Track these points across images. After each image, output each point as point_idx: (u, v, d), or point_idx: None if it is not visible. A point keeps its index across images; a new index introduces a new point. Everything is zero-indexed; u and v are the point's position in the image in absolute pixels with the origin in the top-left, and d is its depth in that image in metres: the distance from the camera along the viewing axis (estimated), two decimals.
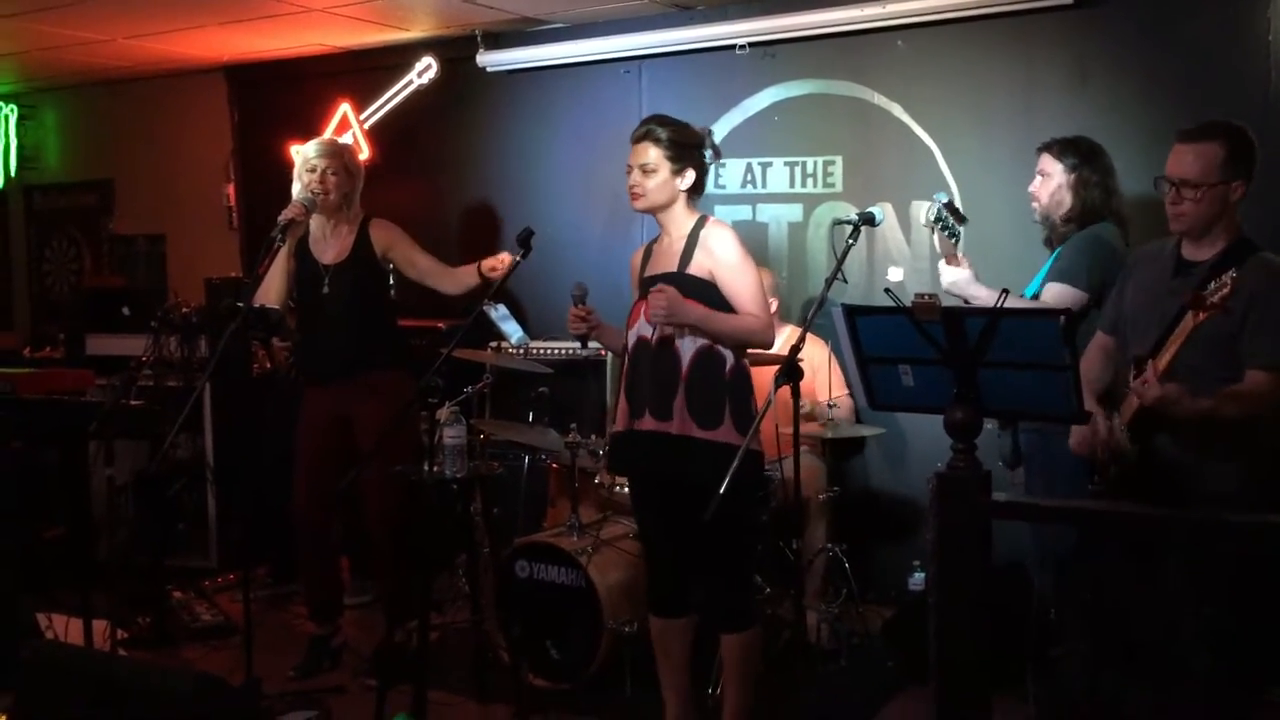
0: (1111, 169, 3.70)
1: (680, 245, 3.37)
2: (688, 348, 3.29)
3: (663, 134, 3.34)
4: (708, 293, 3.30)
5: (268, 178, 6.57)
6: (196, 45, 6.15)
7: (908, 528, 4.94)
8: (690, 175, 3.35)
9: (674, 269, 3.34)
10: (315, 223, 4.35)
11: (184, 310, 5.49)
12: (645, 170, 3.35)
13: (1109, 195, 3.67)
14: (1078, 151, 3.69)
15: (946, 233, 3.82)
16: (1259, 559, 3.01)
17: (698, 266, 3.32)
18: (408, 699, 3.66)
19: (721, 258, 3.31)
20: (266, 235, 4.07)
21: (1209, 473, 2.91)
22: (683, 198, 3.39)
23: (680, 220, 3.40)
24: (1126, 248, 3.61)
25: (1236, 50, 4.29)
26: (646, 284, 3.41)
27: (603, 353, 5.18)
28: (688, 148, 3.35)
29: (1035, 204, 3.75)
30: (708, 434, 3.26)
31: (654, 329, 3.32)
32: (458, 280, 4.34)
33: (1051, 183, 3.69)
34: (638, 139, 3.38)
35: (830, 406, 4.48)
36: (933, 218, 3.84)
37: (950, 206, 3.81)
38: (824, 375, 4.64)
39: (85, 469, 4.66)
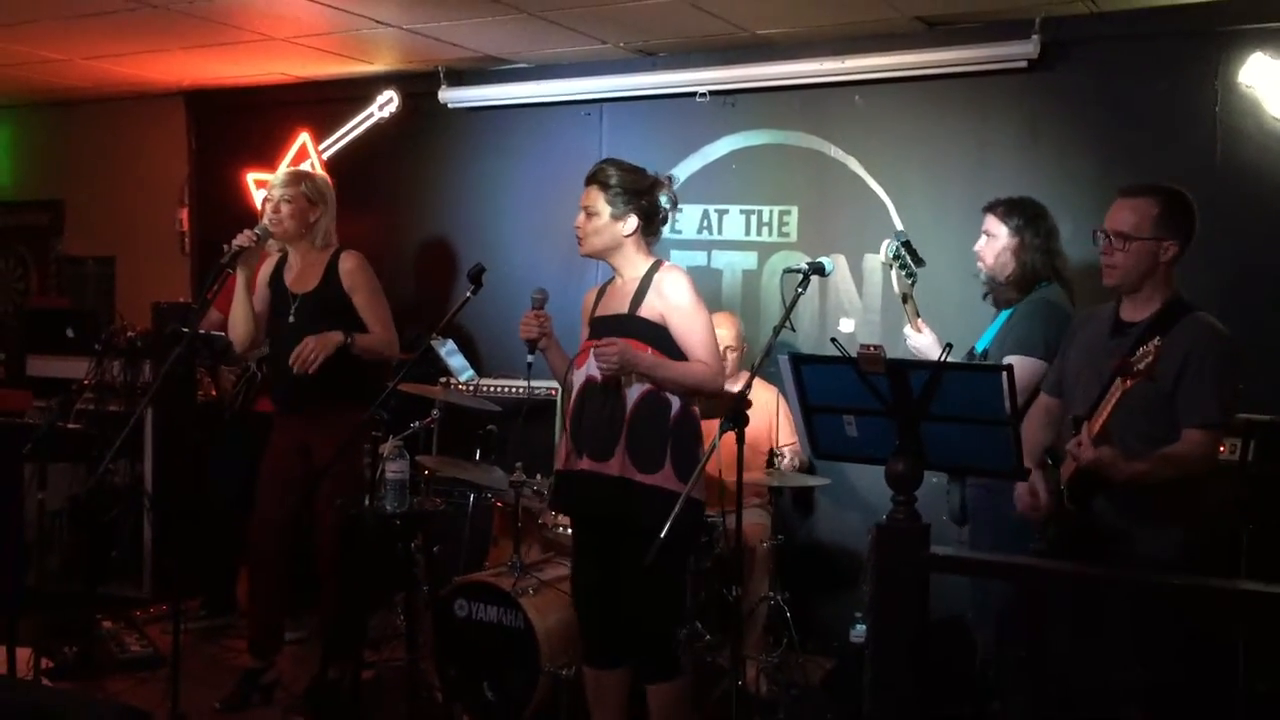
0: (1055, 231, 3.72)
1: (633, 287, 3.36)
2: (634, 391, 3.27)
3: (608, 178, 3.34)
4: (658, 336, 3.29)
5: (223, 204, 6.53)
6: (156, 69, 6.11)
7: (851, 578, 4.92)
8: (633, 221, 3.34)
9: (624, 310, 3.34)
10: (291, 251, 4.30)
11: (129, 334, 5.40)
12: (588, 213, 3.36)
13: (1051, 257, 3.68)
14: (1023, 213, 3.70)
15: (904, 271, 3.87)
16: (1194, 620, 3.04)
17: (649, 309, 3.31)
18: None
19: (674, 302, 3.30)
20: (217, 262, 4.03)
21: (1145, 537, 2.93)
22: (631, 241, 3.37)
23: (633, 262, 3.40)
24: (1074, 306, 3.66)
25: (1184, 118, 4.38)
26: (597, 324, 3.40)
27: (553, 392, 5.17)
28: (632, 193, 3.33)
29: (980, 264, 3.76)
30: (647, 478, 3.23)
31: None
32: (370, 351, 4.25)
33: (997, 244, 3.69)
34: (587, 181, 3.38)
35: (777, 456, 4.48)
36: (891, 254, 3.89)
37: (909, 245, 3.86)
38: (774, 422, 4.64)
39: (18, 492, 4.55)
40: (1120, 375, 2.77)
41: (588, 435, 3.32)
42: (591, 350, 3.25)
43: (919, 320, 3.91)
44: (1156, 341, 2.73)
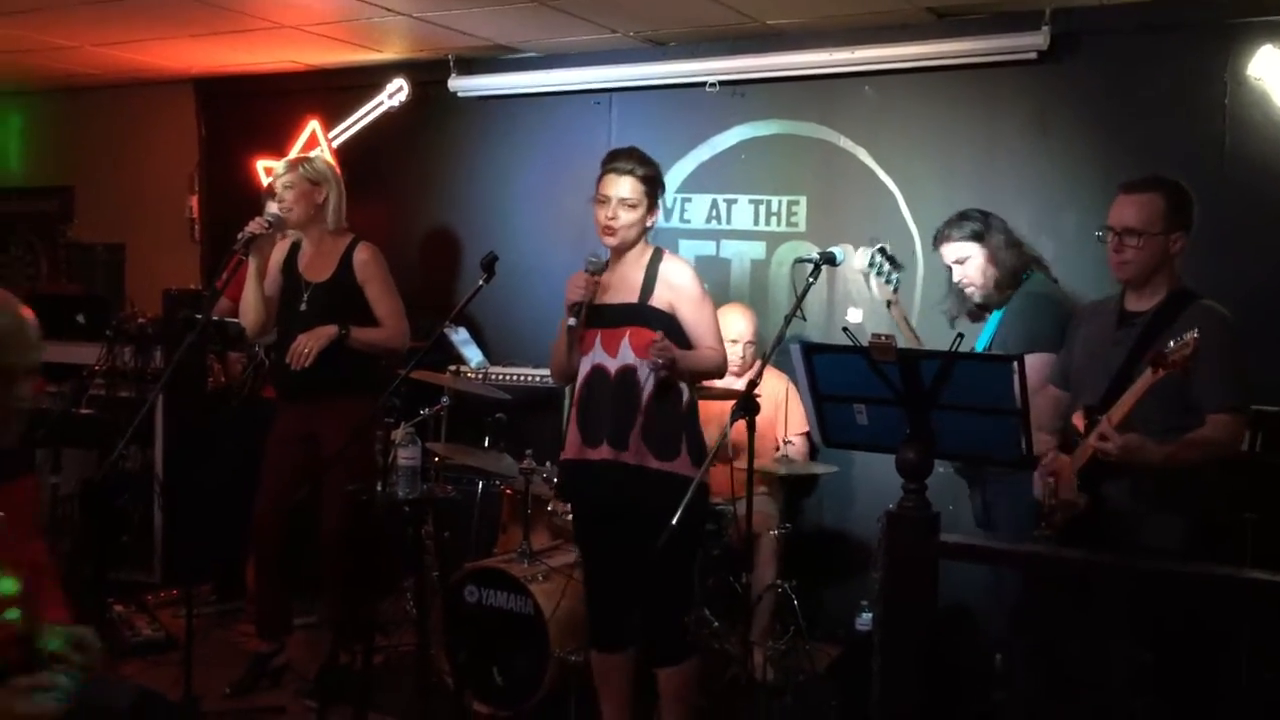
0: (1001, 220, 3.81)
1: (639, 276, 3.37)
2: (648, 380, 3.29)
3: (644, 171, 3.34)
4: (668, 324, 3.32)
5: (232, 192, 6.55)
6: (166, 56, 6.12)
7: (858, 567, 4.95)
8: (657, 215, 3.40)
9: (634, 300, 3.35)
10: (305, 238, 4.32)
11: (139, 321, 5.43)
12: (627, 204, 3.32)
13: (1017, 244, 3.78)
14: (971, 221, 3.78)
15: (883, 279, 3.90)
16: (1200, 608, 3.06)
17: (659, 299, 3.34)
18: None
19: (684, 293, 3.35)
20: (229, 248, 4.05)
21: (1153, 525, 2.95)
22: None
23: (636, 251, 3.42)
24: (1055, 283, 3.74)
25: (1193, 110, 4.38)
26: (602, 311, 3.40)
27: None
28: (658, 184, 3.39)
29: (973, 289, 3.80)
30: (664, 465, 3.26)
31: (613, 358, 3.32)
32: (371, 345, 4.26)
33: (976, 261, 3.76)
34: (622, 171, 3.33)
35: (787, 443, 4.51)
36: (868, 263, 3.92)
37: (884, 252, 3.89)
38: (782, 411, 4.66)
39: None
40: (1154, 366, 2.79)
41: (603, 424, 3.33)
42: (651, 347, 3.21)
43: (909, 329, 3.95)
44: (1195, 334, 2.74)
